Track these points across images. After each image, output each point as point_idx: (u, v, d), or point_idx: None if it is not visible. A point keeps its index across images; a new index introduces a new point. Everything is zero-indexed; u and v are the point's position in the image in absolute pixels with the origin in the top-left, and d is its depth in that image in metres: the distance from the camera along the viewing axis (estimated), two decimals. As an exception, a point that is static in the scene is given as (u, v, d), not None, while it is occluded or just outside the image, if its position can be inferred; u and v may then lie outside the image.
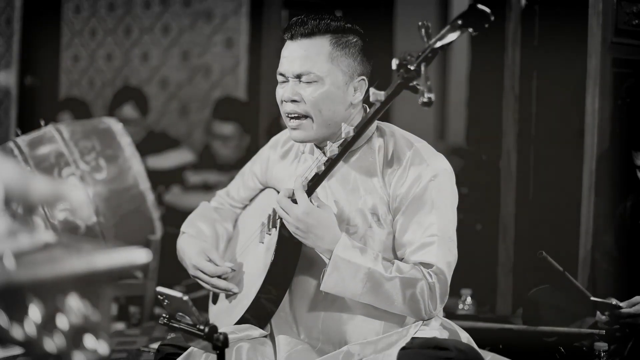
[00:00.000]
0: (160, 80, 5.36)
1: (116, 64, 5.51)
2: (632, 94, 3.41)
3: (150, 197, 3.36)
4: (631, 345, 2.76)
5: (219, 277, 2.27)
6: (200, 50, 5.23)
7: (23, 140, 3.33)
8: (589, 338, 2.73)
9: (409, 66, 1.85)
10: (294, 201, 2.08)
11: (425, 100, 1.84)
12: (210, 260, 2.28)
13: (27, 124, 3.79)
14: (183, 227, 2.44)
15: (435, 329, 2.15)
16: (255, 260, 2.26)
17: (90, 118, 4.70)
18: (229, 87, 5.13)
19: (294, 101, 2.13)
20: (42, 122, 3.43)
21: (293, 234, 2.09)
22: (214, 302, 2.40)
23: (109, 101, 5.16)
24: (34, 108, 5.27)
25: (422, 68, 1.85)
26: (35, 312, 1.20)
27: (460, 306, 3.43)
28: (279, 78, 2.19)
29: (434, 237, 2.09)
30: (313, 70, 2.11)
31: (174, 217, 4.49)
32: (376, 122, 2.21)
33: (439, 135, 6.59)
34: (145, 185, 3.34)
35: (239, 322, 2.19)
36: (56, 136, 3.33)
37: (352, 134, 2.04)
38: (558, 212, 3.63)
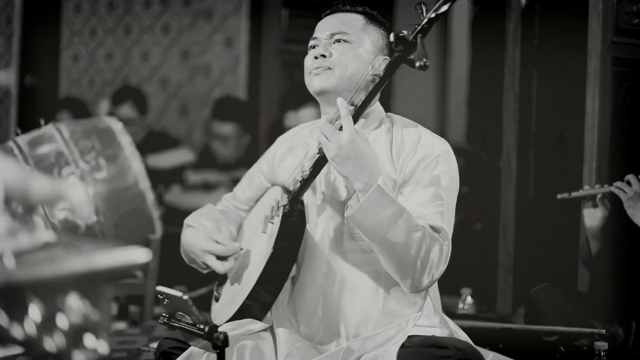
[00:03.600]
0: (160, 80, 5.36)
1: (116, 63, 5.51)
2: (632, 94, 3.41)
3: (150, 196, 3.35)
4: (632, 343, 2.76)
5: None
6: (200, 49, 5.23)
7: (23, 139, 3.33)
8: (589, 337, 2.73)
9: (406, 38, 1.92)
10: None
11: (421, 63, 1.90)
12: (218, 243, 2.29)
13: (27, 123, 3.79)
14: (187, 221, 2.43)
15: (436, 325, 2.16)
16: (258, 249, 2.26)
17: (90, 117, 4.70)
18: (228, 87, 5.13)
19: (323, 56, 2.20)
20: (42, 122, 3.43)
21: (330, 162, 2.04)
22: (217, 300, 2.39)
23: (108, 101, 5.16)
24: (33, 107, 5.27)
25: (419, 40, 1.92)
26: (35, 312, 1.20)
27: (460, 306, 3.43)
28: (311, 43, 2.26)
29: (442, 206, 2.10)
30: (346, 30, 2.20)
31: (174, 217, 4.50)
32: (384, 113, 2.26)
33: (439, 135, 6.58)
34: (145, 184, 3.33)
35: (240, 311, 2.19)
36: (56, 135, 3.33)
37: (353, 112, 2.06)
38: (558, 211, 3.63)
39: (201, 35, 5.22)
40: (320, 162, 2.13)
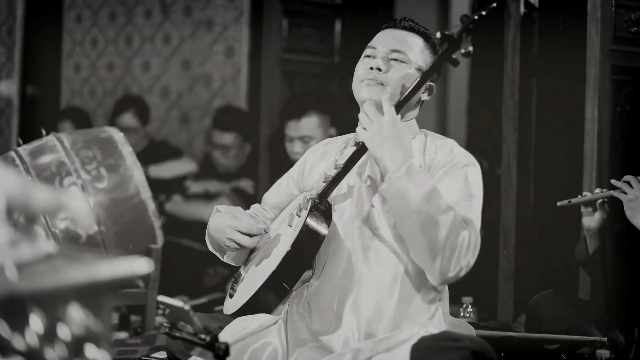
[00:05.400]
0: (161, 89, 5.37)
1: (117, 73, 5.52)
2: (631, 101, 3.42)
3: (151, 206, 3.36)
4: (635, 350, 2.76)
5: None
6: (200, 59, 5.24)
7: (24, 149, 3.34)
8: (591, 345, 2.73)
9: (452, 35, 2.05)
10: None
11: (467, 50, 2.05)
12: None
13: (28, 134, 3.81)
14: (217, 207, 2.45)
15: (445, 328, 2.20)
16: (281, 240, 2.28)
17: (92, 127, 4.71)
18: (229, 96, 5.14)
19: (379, 70, 2.23)
20: (44, 132, 3.44)
21: (367, 142, 2.12)
22: (231, 296, 2.40)
23: (110, 110, 5.17)
24: (35, 117, 5.29)
25: (464, 36, 2.05)
26: (36, 322, 1.20)
27: (462, 314, 3.44)
28: (367, 52, 2.30)
29: (472, 201, 2.16)
30: (406, 51, 2.26)
31: (175, 227, 4.50)
32: (418, 129, 2.33)
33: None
34: (146, 194, 3.34)
35: (254, 298, 2.20)
36: (57, 145, 3.34)
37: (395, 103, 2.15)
38: (559, 218, 3.63)
39: (202, 45, 5.23)
40: (356, 154, 2.20)
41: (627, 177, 2.81)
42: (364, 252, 2.23)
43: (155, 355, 3.14)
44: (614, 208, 2.85)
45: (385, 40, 2.28)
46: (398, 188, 2.06)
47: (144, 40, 5.41)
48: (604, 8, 3.32)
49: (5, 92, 5.37)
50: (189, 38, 5.26)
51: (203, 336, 1.82)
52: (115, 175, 3.31)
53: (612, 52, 3.38)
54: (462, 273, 2.09)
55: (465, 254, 2.07)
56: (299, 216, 2.25)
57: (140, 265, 1.32)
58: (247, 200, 4.25)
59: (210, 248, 2.46)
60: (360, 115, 2.16)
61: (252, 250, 2.40)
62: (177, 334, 1.89)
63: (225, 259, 2.44)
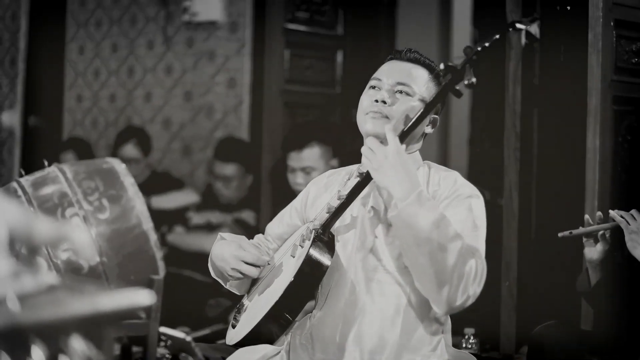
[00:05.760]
0: (163, 120, 5.39)
1: (119, 104, 5.54)
2: (633, 132, 3.43)
3: (153, 237, 3.36)
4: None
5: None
6: (203, 90, 5.26)
7: (26, 180, 3.34)
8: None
9: (455, 67, 2.08)
10: None
11: (470, 82, 2.09)
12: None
13: (30, 164, 3.81)
14: (221, 234, 2.45)
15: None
16: (284, 271, 2.27)
17: (94, 158, 4.72)
18: (231, 127, 5.15)
19: (384, 103, 2.24)
20: (46, 162, 3.44)
21: (373, 172, 2.11)
22: (234, 327, 2.39)
23: (112, 141, 5.19)
24: (37, 148, 5.30)
25: (467, 67, 2.08)
26: (38, 354, 1.20)
27: (464, 345, 3.42)
28: (372, 83, 2.30)
29: (477, 231, 2.15)
30: (411, 84, 2.26)
31: (177, 258, 4.50)
32: (423, 161, 2.33)
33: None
34: (148, 225, 3.34)
35: (256, 329, 2.19)
36: (60, 176, 3.34)
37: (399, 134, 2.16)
38: (561, 249, 3.63)
39: (204, 75, 5.25)
40: (359, 185, 2.19)
41: (632, 211, 2.80)
42: (367, 284, 2.22)
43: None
44: (615, 239, 2.84)
45: (390, 72, 2.28)
46: (408, 215, 2.06)
47: (146, 71, 5.44)
48: (605, 39, 3.34)
49: (8, 123, 5.39)
50: (191, 69, 5.29)
51: (205, 368, 1.81)
52: (117, 206, 3.31)
53: (613, 83, 3.39)
54: (469, 302, 2.09)
55: (472, 282, 2.06)
56: (302, 247, 2.24)
57: (142, 297, 1.31)
58: (249, 231, 4.24)
59: (213, 275, 2.46)
60: (363, 150, 2.16)
61: (255, 280, 2.40)
62: (179, 366, 1.89)
63: (227, 287, 2.44)
